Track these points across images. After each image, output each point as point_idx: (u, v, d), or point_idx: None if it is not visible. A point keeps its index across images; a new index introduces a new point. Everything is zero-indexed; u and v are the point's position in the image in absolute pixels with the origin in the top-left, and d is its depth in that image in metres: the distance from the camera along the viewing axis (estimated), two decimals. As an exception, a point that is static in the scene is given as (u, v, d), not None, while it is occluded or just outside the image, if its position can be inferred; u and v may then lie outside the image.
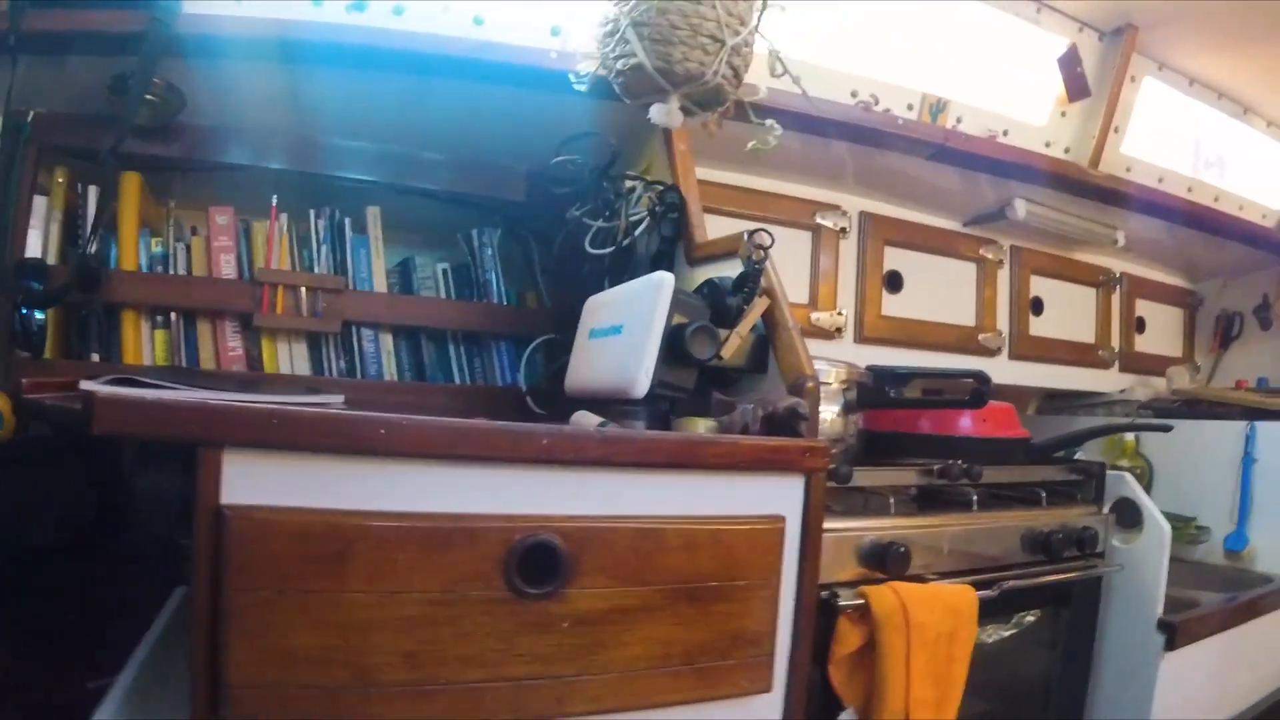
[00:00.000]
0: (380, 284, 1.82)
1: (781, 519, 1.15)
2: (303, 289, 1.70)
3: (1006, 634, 1.54)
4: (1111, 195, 2.42)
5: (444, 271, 1.91)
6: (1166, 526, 1.63)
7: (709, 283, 1.40)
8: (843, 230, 2.27)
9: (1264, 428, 2.13)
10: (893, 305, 2.35)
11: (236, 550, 0.83)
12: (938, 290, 2.43)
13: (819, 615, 1.22)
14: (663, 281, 1.26)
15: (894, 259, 2.37)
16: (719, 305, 1.33)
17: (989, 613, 1.39)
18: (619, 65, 1.41)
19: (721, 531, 1.09)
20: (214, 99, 1.63)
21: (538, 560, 0.96)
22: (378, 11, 1.57)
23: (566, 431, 1.00)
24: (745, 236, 1.37)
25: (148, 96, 1.54)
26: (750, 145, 1.56)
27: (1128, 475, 1.69)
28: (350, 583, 0.87)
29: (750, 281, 1.33)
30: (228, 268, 1.68)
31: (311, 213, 1.77)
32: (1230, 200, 2.71)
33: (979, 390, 1.52)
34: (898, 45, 2.10)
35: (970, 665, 1.34)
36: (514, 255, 1.98)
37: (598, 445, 1.02)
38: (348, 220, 1.80)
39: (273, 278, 1.68)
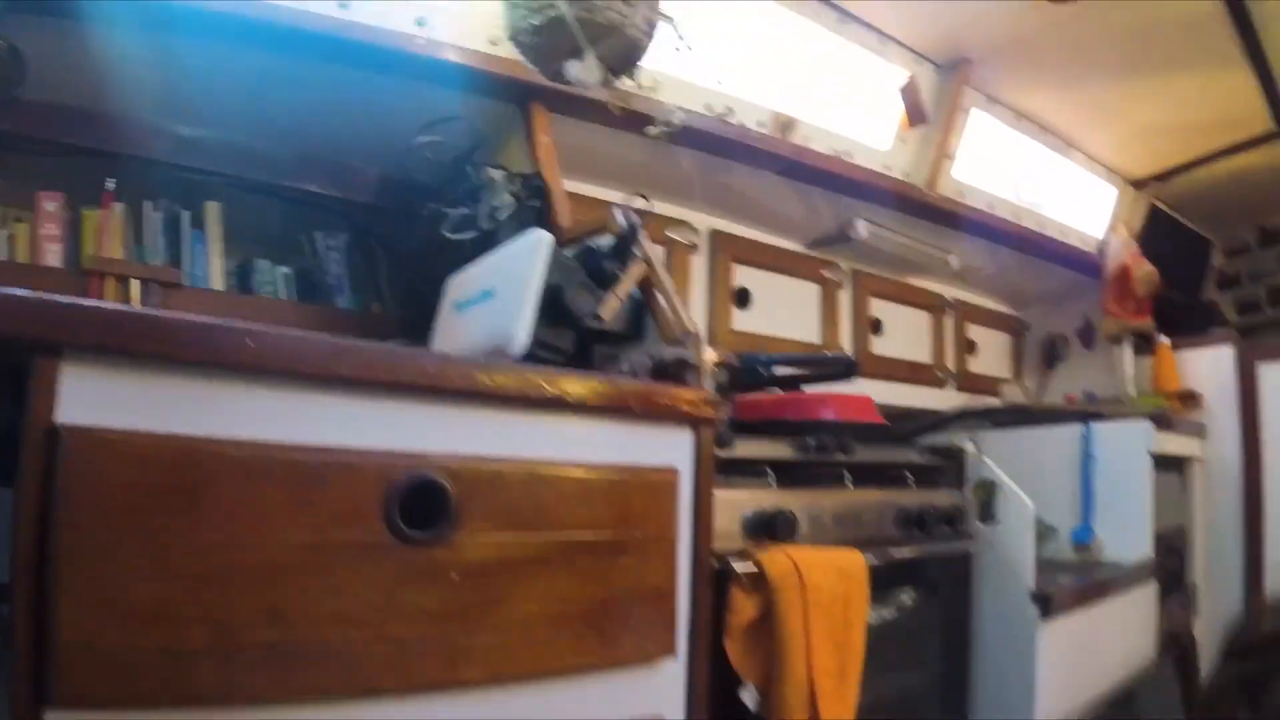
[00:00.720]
0: (218, 284, 1.69)
1: (674, 471, 1.11)
2: (134, 281, 1.54)
3: (887, 619, 1.53)
4: (947, 216, 2.56)
5: (285, 276, 1.79)
6: (1029, 502, 1.68)
7: (585, 248, 1.37)
8: (693, 245, 2.31)
9: (1100, 427, 2.27)
10: (742, 321, 2.41)
11: (71, 478, 0.70)
12: (784, 308, 2.53)
13: (712, 586, 1.17)
14: (541, 239, 1.22)
15: (743, 276, 2.43)
16: (595, 270, 1.30)
17: (872, 585, 1.37)
18: (536, 20, 1.38)
19: (617, 481, 1.04)
20: (53, 69, 1.47)
21: (422, 502, 0.88)
22: (241, -21, 1.47)
23: (457, 358, 0.93)
24: (613, 209, 1.35)
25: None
26: (653, 132, 1.57)
27: (986, 458, 1.74)
28: (206, 522, 0.75)
29: (627, 247, 1.31)
30: (53, 258, 1.52)
31: (147, 204, 1.62)
32: (1054, 227, 2.93)
33: (848, 366, 1.54)
34: (750, 63, 2.16)
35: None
36: (360, 263, 1.88)
37: (491, 375, 0.94)
38: (186, 214, 1.66)
39: (102, 266, 1.51)
